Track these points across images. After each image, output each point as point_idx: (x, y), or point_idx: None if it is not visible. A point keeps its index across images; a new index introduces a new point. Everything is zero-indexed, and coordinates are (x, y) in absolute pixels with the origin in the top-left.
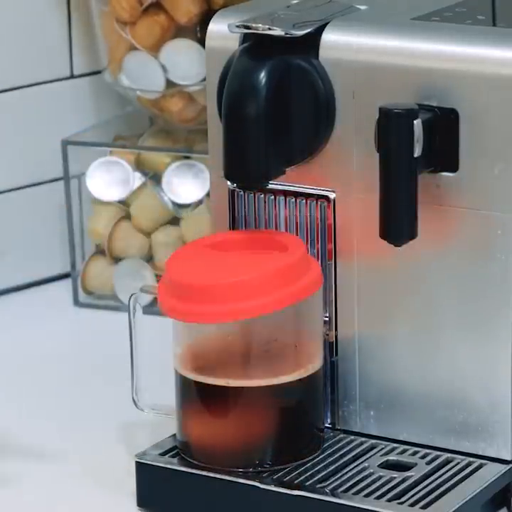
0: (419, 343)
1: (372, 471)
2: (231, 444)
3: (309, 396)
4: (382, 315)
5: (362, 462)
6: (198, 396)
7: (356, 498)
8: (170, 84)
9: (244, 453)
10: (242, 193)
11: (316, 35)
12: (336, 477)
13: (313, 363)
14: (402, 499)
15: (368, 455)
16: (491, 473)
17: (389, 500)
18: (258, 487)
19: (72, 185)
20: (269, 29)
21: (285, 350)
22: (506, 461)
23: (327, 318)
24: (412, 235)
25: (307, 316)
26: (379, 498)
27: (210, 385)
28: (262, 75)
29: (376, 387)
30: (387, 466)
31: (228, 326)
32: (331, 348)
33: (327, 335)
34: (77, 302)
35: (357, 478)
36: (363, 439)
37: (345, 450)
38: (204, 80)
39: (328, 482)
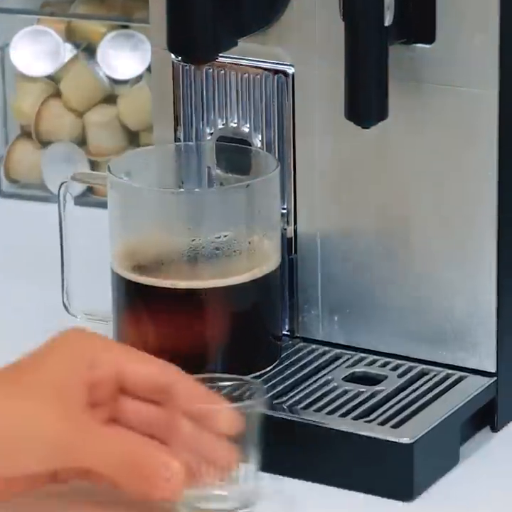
0: (390, 240)
1: (336, 384)
2: (177, 354)
3: (265, 299)
4: (348, 207)
5: (325, 375)
6: (138, 299)
7: (318, 415)
8: None
9: (193, 364)
10: (187, 67)
11: None
12: (295, 391)
13: (269, 262)
14: (371, 417)
15: (331, 366)
16: (473, 387)
17: (355, 418)
18: None
19: None
20: None
21: (237, 246)
22: (490, 373)
23: (285, 211)
24: (381, 115)
25: (262, 206)
26: (344, 415)
27: (153, 286)
28: None
29: (341, 289)
30: (354, 379)
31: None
32: (289, 244)
33: (285, 229)
34: (0, 192)
35: (319, 393)
36: (326, 348)
37: (305, 361)
38: None
39: (286, 397)
